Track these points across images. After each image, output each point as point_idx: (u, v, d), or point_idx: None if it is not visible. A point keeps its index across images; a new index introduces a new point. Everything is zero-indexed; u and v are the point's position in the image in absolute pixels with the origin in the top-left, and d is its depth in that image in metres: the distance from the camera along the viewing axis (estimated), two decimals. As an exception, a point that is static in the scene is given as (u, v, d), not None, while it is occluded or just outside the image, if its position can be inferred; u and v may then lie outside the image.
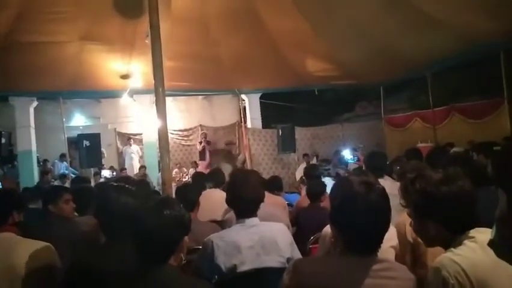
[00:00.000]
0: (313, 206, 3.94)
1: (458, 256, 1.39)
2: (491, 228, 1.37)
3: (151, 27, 4.18)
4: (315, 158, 10.77)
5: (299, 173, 9.27)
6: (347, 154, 9.51)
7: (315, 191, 3.99)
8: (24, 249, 2.04)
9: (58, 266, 2.09)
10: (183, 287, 1.42)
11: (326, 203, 3.84)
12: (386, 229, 1.43)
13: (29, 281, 1.97)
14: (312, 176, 4.78)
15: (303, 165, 9.38)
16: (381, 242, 1.42)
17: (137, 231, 1.49)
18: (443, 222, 1.48)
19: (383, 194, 1.42)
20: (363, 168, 3.87)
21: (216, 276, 2.07)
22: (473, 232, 1.43)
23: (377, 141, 11.44)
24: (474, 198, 1.50)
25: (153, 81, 4.17)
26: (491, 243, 1.21)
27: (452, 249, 1.44)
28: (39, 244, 2.10)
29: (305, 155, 10.80)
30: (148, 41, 4.30)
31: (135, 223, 1.50)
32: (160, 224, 1.45)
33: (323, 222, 3.49)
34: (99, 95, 11.31)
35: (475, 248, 1.37)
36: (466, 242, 1.43)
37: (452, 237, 1.47)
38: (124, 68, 8.71)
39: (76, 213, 3.41)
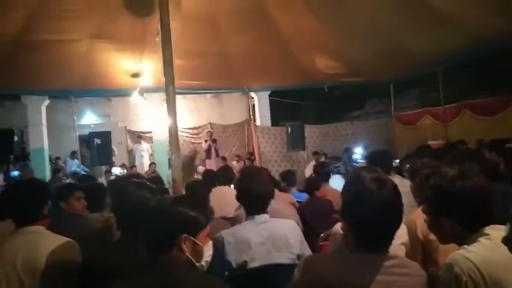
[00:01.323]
0: (311, 199, 4.11)
1: (471, 253, 1.37)
2: (504, 224, 1.36)
3: (161, 26, 4.22)
4: (323, 157, 10.73)
5: (309, 171, 9.25)
6: (357, 152, 9.47)
7: (310, 184, 4.22)
8: (49, 244, 2.06)
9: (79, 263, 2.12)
10: (192, 282, 1.41)
11: (329, 196, 4.06)
12: (398, 226, 1.42)
13: (49, 276, 2.00)
14: (322, 173, 4.80)
15: (313, 163, 9.35)
16: (393, 239, 1.41)
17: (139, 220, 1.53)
18: (457, 219, 1.46)
19: (396, 191, 1.41)
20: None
21: (226, 272, 2.08)
22: (488, 229, 1.42)
23: (386, 139, 11.36)
24: (489, 194, 1.47)
25: (163, 80, 4.20)
26: (505, 240, 1.20)
27: (466, 246, 1.42)
28: (64, 240, 2.12)
29: (315, 153, 10.76)
30: (158, 39, 4.34)
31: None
32: (155, 216, 1.48)
33: (321, 211, 3.67)
34: (110, 93, 11.39)
35: (489, 245, 1.36)
36: (480, 239, 1.41)
37: (467, 234, 1.45)
38: (134, 66, 8.76)
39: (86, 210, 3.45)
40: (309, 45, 8.61)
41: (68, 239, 2.15)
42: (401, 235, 2.15)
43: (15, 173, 8.51)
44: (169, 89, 4.18)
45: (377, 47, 7.96)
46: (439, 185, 1.50)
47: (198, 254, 1.50)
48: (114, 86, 9.66)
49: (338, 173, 6.62)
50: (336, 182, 4.71)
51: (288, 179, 4.88)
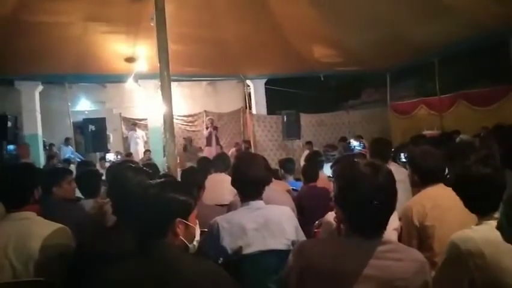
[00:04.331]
0: (308, 187, 4.12)
1: (476, 232, 1.47)
2: None
3: (156, 10, 4.16)
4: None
5: (303, 160, 9.27)
6: (354, 141, 9.52)
7: (308, 172, 4.23)
8: (42, 230, 2.05)
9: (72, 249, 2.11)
10: (188, 265, 1.42)
11: (322, 183, 4.10)
12: (392, 211, 1.42)
13: (42, 263, 1.99)
14: (315, 161, 4.84)
15: (307, 152, 9.37)
16: (387, 224, 1.41)
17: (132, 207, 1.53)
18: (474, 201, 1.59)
19: (390, 176, 1.41)
20: (368, 155, 3.92)
21: (221, 258, 2.08)
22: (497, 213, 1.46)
23: (381, 129, 11.38)
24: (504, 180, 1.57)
25: (158, 65, 4.16)
26: (499, 226, 1.21)
27: (473, 226, 1.53)
28: (56, 226, 2.11)
29: (308, 142, 10.77)
30: (153, 24, 4.27)
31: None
32: (149, 204, 1.47)
33: (320, 198, 3.70)
34: (104, 79, 11.28)
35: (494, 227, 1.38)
36: (487, 221, 1.49)
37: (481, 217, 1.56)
38: (128, 50, 8.66)
39: (82, 196, 3.45)
40: (306, 34, 8.55)
41: (61, 225, 2.14)
42: (393, 221, 2.17)
43: (11, 147, 8.46)
44: (164, 75, 4.14)
45: (374, 36, 7.91)
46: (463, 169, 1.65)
47: (191, 235, 1.54)
48: (108, 71, 9.56)
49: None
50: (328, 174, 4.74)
51: (286, 167, 4.90)
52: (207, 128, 11.74)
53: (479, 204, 1.57)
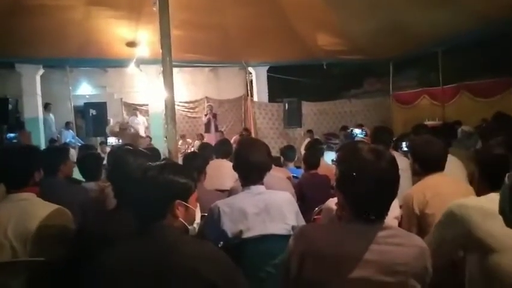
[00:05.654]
0: (310, 175, 4.15)
1: (472, 200, 1.61)
2: None
3: (159, -5, 4.11)
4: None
5: (304, 149, 9.27)
6: (356, 129, 9.53)
7: (309, 159, 4.28)
8: (40, 211, 2.06)
9: (73, 231, 2.11)
10: (187, 246, 1.42)
11: (322, 171, 4.14)
12: (394, 197, 1.42)
13: (41, 243, 2.00)
14: (315, 149, 4.86)
15: (307, 140, 9.37)
16: (388, 210, 1.41)
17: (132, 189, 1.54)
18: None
19: (393, 162, 1.40)
20: (370, 142, 3.91)
21: (221, 242, 2.09)
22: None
23: (383, 118, 11.35)
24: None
25: (160, 51, 4.13)
26: (501, 211, 1.20)
27: (472, 196, 1.70)
28: (55, 208, 2.12)
29: (309, 131, 10.76)
30: (155, 9, 4.23)
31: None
32: (148, 185, 1.47)
33: (321, 185, 3.78)
34: (106, 63, 11.23)
35: (495, 199, 1.37)
36: (491, 194, 1.57)
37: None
38: (130, 35, 8.61)
39: (83, 179, 3.47)
40: (309, 21, 8.47)
41: (59, 206, 2.14)
42: (394, 209, 2.17)
43: (12, 134, 8.48)
44: (166, 61, 4.11)
45: (378, 24, 7.84)
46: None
47: (191, 217, 1.54)
48: (110, 55, 9.51)
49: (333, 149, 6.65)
50: (331, 158, 4.75)
51: (287, 154, 4.92)
52: (205, 115, 11.74)
53: (493, 181, 1.66)
